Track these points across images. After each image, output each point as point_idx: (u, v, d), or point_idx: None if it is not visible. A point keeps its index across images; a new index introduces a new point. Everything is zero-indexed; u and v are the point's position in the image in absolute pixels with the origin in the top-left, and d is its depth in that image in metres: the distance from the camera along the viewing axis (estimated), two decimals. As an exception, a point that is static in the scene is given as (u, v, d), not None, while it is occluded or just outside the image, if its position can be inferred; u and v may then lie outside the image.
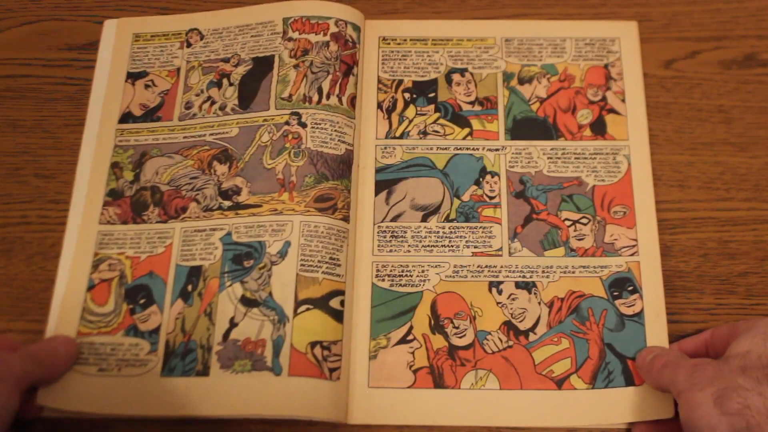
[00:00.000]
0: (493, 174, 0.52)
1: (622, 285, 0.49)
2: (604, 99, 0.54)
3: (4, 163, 0.54)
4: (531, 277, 0.49)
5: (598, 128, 0.53)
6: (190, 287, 0.48)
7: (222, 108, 0.53)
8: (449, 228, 0.51)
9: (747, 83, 0.55)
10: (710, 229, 0.51)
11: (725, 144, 0.53)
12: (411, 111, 0.54)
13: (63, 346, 0.46)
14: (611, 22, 0.56)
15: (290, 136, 0.51)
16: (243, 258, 0.48)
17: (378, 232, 0.51)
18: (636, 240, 0.50)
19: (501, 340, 0.48)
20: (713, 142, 0.53)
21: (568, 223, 0.51)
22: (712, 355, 0.45)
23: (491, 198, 0.51)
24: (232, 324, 0.47)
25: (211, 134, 0.52)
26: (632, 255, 0.50)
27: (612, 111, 0.54)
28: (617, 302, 0.48)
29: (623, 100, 0.54)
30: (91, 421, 0.46)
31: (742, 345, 0.41)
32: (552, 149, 0.53)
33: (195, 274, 0.48)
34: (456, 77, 0.55)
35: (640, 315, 0.48)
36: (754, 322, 0.43)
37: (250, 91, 0.53)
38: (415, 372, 0.47)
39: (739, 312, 0.49)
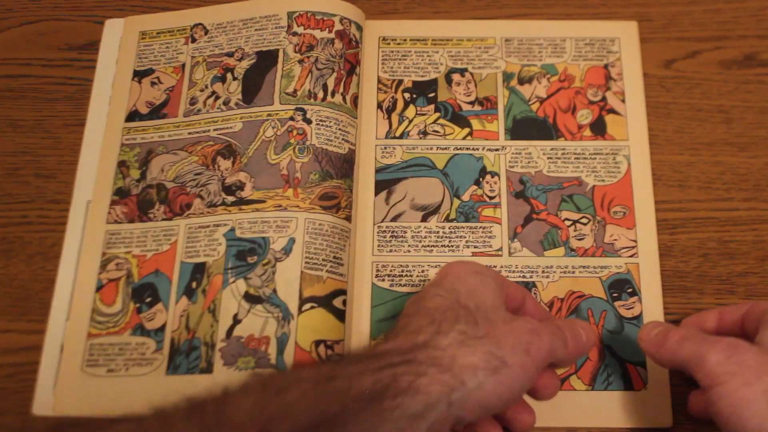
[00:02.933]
0: (493, 174, 0.52)
1: (622, 287, 0.49)
2: (604, 99, 0.54)
3: (4, 163, 0.54)
4: (531, 277, 0.49)
5: (598, 128, 0.53)
6: (194, 284, 0.48)
7: (226, 103, 0.53)
8: (449, 228, 0.51)
9: (747, 83, 0.55)
10: (710, 229, 0.51)
11: (725, 144, 0.53)
12: (411, 111, 0.54)
13: (585, 332, 0.41)
14: (611, 22, 0.56)
15: (295, 132, 0.51)
16: (246, 254, 0.48)
17: (378, 232, 0.51)
18: (635, 241, 0.50)
19: (501, 340, 0.48)
20: (713, 142, 0.53)
21: (568, 223, 0.51)
22: (744, 333, 0.41)
23: (491, 198, 0.51)
24: (236, 321, 0.46)
25: (215, 129, 0.52)
26: (632, 257, 0.50)
27: (612, 111, 0.54)
28: (616, 304, 0.48)
29: (623, 101, 0.54)
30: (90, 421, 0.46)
31: None
32: (552, 149, 0.53)
33: (199, 270, 0.48)
34: (456, 77, 0.55)
35: (638, 318, 0.48)
36: None
37: (253, 85, 0.53)
38: (415, 372, 0.47)
39: (738, 312, 0.49)
